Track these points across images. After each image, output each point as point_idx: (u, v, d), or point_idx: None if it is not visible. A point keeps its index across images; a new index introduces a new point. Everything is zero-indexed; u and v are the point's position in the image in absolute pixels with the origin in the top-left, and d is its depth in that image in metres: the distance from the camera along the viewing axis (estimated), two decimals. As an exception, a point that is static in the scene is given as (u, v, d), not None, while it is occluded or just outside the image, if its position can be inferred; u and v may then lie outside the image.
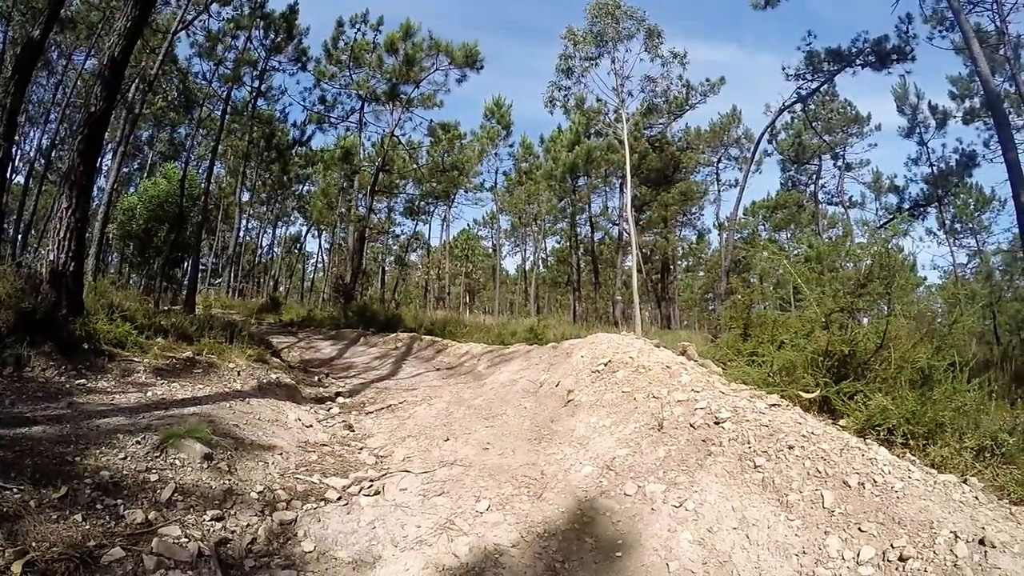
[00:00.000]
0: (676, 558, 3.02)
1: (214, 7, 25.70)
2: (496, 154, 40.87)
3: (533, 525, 3.43)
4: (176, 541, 2.91)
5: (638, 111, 33.19)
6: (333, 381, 9.18)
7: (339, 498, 3.83)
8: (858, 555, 2.73)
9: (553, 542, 3.27)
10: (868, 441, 3.76)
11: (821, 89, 29.59)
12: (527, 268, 51.35)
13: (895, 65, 25.21)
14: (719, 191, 43.57)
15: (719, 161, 42.78)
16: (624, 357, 5.45)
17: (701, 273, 56.29)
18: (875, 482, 3.09)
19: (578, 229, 40.99)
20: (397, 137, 30.82)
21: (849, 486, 3.11)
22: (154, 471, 3.56)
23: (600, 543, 3.24)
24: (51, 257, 6.92)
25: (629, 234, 29.78)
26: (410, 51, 29.25)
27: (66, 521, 2.86)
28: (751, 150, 34.56)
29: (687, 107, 33.05)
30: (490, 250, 53.99)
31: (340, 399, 7.47)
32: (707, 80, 32.09)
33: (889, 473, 3.15)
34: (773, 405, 4.09)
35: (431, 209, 47.09)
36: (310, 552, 3.16)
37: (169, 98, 30.75)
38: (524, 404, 5.59)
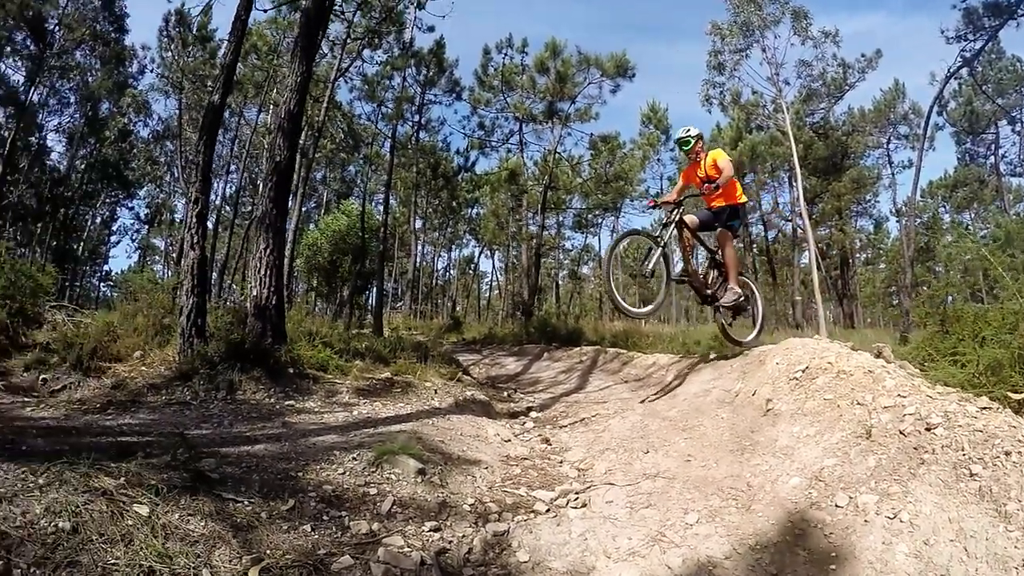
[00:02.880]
0: (892, 572, 2.87)
1: (366, 52, 27.45)
2: (658, 160, 40.49)
3: (744, 537, 3.36)
4: (400, 550, 3.06)
5: (797, 99, 31.92)
6: (522, 396, 9.37)
7: (547, 510, 3.88)
8: (1084, 570, 2.46)
9: (765, 555, 3.20)
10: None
11: (986, 48, 27.01)
12: None
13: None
14: (892, 174, 40.34)
15: (888, 141, 39.41)
16: (822, 363, 5.21)
17: (882, 265, 52.97)
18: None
19: (750, 228, 39.34)
20: (559, 154, 31.26)
21: (1070, 496, 2.86)
22: (372, 485, 3.78)
23: (813, 556, 3.14)
24: (254, 293, 7.82)
25: (803, 229, 28.56)
26: (560, 68, 29.75)
27: (296, 531, 3.10)
28: (921, 126, 31.79)
29: (846, 87, 31.49)
30: None
31: (533, 413, 7.61)
32: (862, 56, 30.44)
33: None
34: (984, 408, 3.79)
35: (599, 221, 47.03)
36: (525, 562, 3.22)
37: (337, 140, 33.00)
38: (720, 414, 5.47)
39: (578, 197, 37.62)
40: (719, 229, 7.56)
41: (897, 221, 41.08)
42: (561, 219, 45.22)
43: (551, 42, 30.27)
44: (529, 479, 4.62)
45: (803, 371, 5.25)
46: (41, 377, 7.25)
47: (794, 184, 31.04)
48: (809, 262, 28.80)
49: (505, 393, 9.46)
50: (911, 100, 37.63)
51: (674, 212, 7.09)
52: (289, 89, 8.93)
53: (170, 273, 29.32)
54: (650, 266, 6.77)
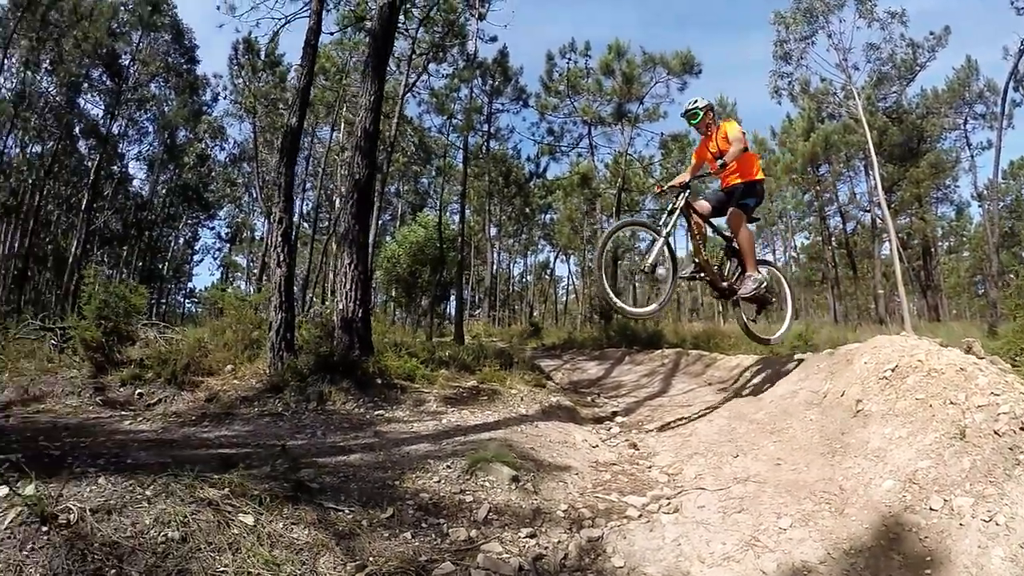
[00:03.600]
0: (988, 576, 2.77)
1: (432, 66, 27.99)
2: None
3: (838, 542, 3.27)
4: (499, 556, 3.08)
5: (867, 83, 30.96)
6: (606, 401, 9.30)
7: (640, 515, 3.85)
8: None
9: (860, 559, 3.10)
10: None
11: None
12: None
13: None
14: (972, 156, 37.57)
15: (965, 122, 37.07)
16: (912, 361, 5.02)
17: (966, 253, 50.84)
18: None
19: (828, 221, 38.46)
20: (630, 155, 31.09)
21: None
22: (468, 492, 3.80)
23: (908, 560, 3.03)
24: (340, 306, 8.05)
25: (883, 219, 27.65)
26: (626, 69, 29.76)
27: (397, 538, 3.14)
28: (998, 104, 30.02)
29: (917, 68, 30.46)
30: None
31: (618, 418, 7.54)
32: (931, 34, 29.47)
33: None
34: (1081, 407, 3.61)
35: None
36: (620, 567, 3.19)
37: (408, 153, 33.67)
38: (809, 416, 5.33)
39: (651, 198, 37.33)
40: (731, 210, 6.85)
41: (979, 206, 38.84)
42: (636, 221, 44.73)
43: (614, 44, 30.36)
44: (620, 484, 4.59)
45: (892, 370, 5.07)
46: (137, 392, 7.55)
47: (870, 173, 30.03)
48: (890, 253, 27.82)
49: (588, 398, 9.41)
50: (985, 77, 35.99)
51: (679, 197, 6.44)
52: (363, 108, 9.19)
53: (253, 289, 30.24)
54: (651, 260, 6.28)
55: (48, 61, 34.27)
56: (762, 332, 7.36)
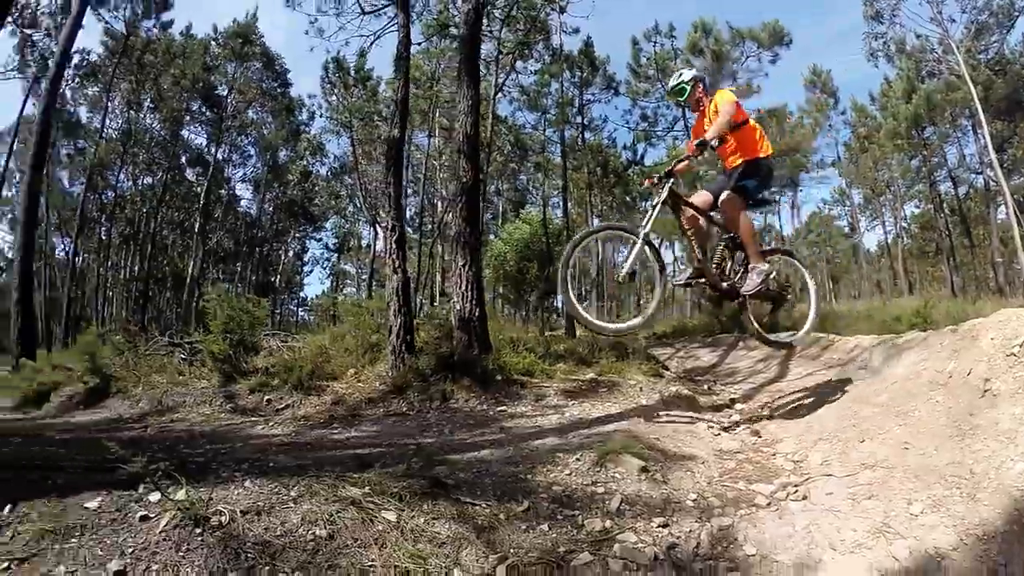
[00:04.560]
0: None
1: (519, 64, 28.21)
2: (830, 125, 38.26)
3: (970, 527, 3.11)
4: (634, 546, 3.07)
5: (965, 36, 29.23)
6: (723, 388, 9.16)
7: (768, 503, 3.78)
8: None
9: (993, 545, 2.95)
10: None
11: None
12: (889, 242, 45.44)
13: None
14: None
15: None
16: None
17: None
18: None
19: (938, 187, 36.22)
20: (729, 134, 30.51)
21: None
22: (599, 484, 3.80)
23: None
24: (457, 307, 8.23)
25: (996, 181, 26.07)
26: (714, 47, 29.11)
27: (534, 530, 3.17)
28: None
29: (1015, 13, 28.43)
30: (846, 229, 49.92)
31: (737, 405, 7.41)
32: None
33: None
34: None
35: (776, 197, 45.10)
36: (752, 556, 3.15)
37: (505, 152, 33.97)
38: (934, 398, 5.08)
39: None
40: (724, 194, 5.78)
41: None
42: (739, 201, 43.64)
43: (699, 22, 30.09)
44: (746, 473, 4.51)
45: (1021, 345, 4.80)
46: (265, 398, 7.90)
47: (979, 131, 28.35)
48: (1007, 217, 26.26)
49: (705, 386, 9.27)
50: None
51: (663, 187, 5.54)
52: (462, 113, 9.35)
53: (363, 295, 31.16)
54: (627, 267, 5.45)
55: (149, 99, 37.01)
56: (780, 335, 6.54)
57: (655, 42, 31.87)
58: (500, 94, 27.56)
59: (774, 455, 5.04)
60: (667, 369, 10.09)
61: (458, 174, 9.12)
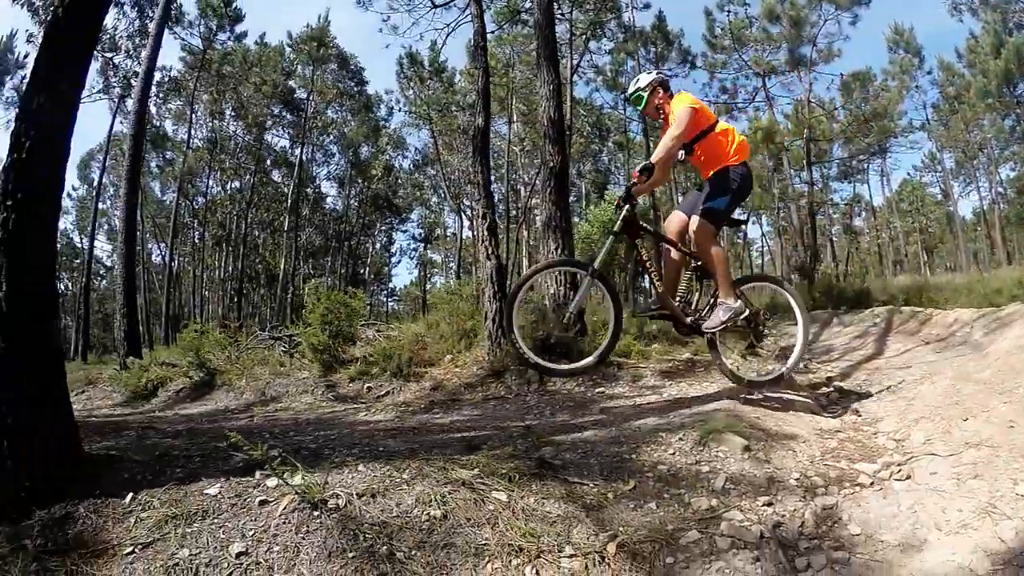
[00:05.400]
0: None
1: (592, 44, 28.07)
2: (917, 86, 35.87)
3: None
4: (741, 524, 3.08)
5: None
6: (819, 366, 8.94)
7: (872, 483, 3.70)
8: None
9: None
10: None
11: None
12: (984, 208, 42.91)
13: None
14: None
15: None
16: None
17: None
18: None
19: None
20: (811, 102, 29.50)
21: None
22: (703, 463, 3.80)
23: None
24: (551, 290, 8.30)
25: None
26: (791, 12, 28.12)
27: (642, 509, 3.21)
28: None
29: None
30: (939, 196, 47.63)
31: (834, 383, 7.26)
32: None
33: None
34: None
35: (864, 166, 43.42)
36: (857, 535, 3.10)
37: (585, 134, 33.86)
38: None
39: (838, 145, 35.44)
40: (692, 219, 5.20)
41: None
42: (825, 171, 42.09)
43: (774, -13, 28.96)
44: (847, 452, 4.42)
45: None
46: (366, 386, 8.16)
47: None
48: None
49: (801, 364, 9.09)
50: None
51: (618, 217, 5.19)
52: (544, 98, 9.40)
53: (451, 283, 31.65)
54: (574, 305, 5.26)
55: (230, 108, 38.85)
56: (757, 372, 5.98)
57: (729, 11, 30.99)
58: (576, 76, 27.47)
59: (875, 434, 4.94)
60: (762, 347, 9.95)
61: (544, 159, 9.18)
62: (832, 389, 6.74)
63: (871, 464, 4.05)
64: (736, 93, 33.69)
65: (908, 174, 50.41)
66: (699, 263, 5.34)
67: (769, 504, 3.37)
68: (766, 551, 2.91)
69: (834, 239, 46.60)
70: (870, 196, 46.46)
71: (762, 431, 4.48)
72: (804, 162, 28.94)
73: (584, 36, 27.14)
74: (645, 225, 5.37)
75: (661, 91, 5.51)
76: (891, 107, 31.85)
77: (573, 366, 5.55)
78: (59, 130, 3.42)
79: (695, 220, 5.13)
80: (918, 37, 34.46)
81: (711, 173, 5.23)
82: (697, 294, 5.51)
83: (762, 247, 58.05)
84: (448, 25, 14.86)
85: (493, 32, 24.46)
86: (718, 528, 3.06)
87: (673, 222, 5.51)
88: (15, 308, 3.16)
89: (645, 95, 5.50)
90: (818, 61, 29.33)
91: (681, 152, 5.29)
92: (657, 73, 5.63)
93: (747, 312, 5.31)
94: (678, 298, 5.38)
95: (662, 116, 5.48)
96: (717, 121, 5.36)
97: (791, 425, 4.87)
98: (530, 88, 30.71)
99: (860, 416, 5.43)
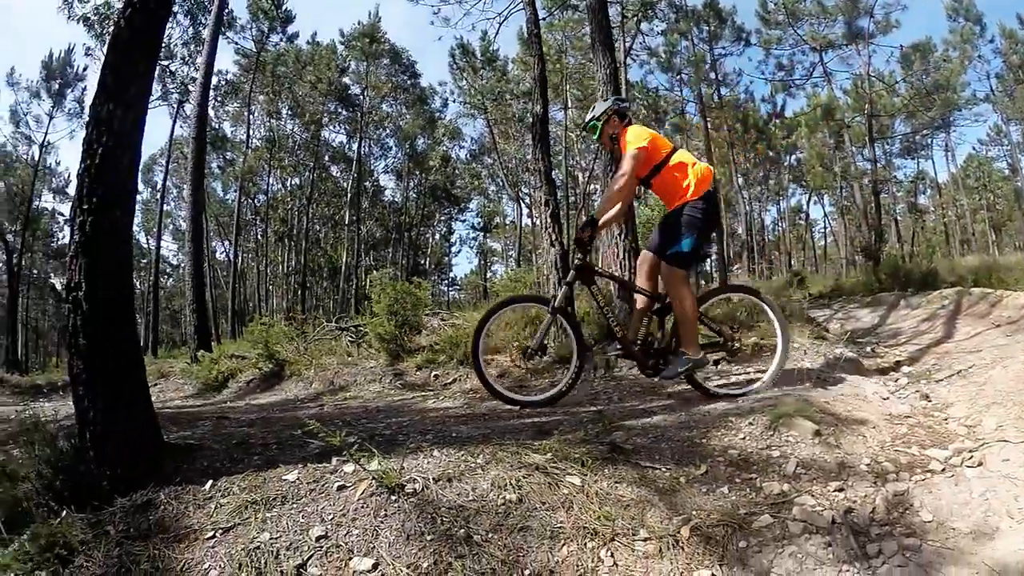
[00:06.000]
0: None
1: (644, 26, 27.87)
2: (979, 56, 34.43)
3: None
4: (813, 509, 3.07)
5: None
6: (886, 350, 8.77)
7: (943, 469, 3.64)
8: None
9: None
10: None
11: None
12: None
13: None
14: None
15: None
16: None
17: None
18: None
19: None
20: (871, 76, 28.72)
21: None
22: (774, 448, 3.79)
23: None
24: (617, 275, 8.26)
25: None
26: (846, -17, 27.42)
27: (714, 493, 3.24)
28: None
29: None
30: (1007, 171, 45.55)
31: (903, 368, 7.09)
32: None
33: None
34: None
35: (927, 142, 42.00)
36: (928, 522, 3.06)
37: (640, 116, 33.81)
38: None
39: (900, 120, 34.45)
40: (663, 267, 5.18)
41: None
42: (887, 148, 41.19)
43: (830, -42, 28.32)
44: (918, 438, 4.35)
45: None
46: (433, 374, 8.31)
47: None
48: None
49: (868, 348, 8.89)
50: None
51: (572, 265, 5.37)
52: (601, 83, 9.37)
53: (512, 270, 31.98)
54: (535, 341, 5.41)
55: (287, 107, 40.13)
56: (731, 385, 5.75)
57: (780, -16, 30.51)
58: (629, 59, 27.23)
59: (946, 419, 4.86)
60: (827, 331, 9.79)
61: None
62: (901, 374, 6.65)
63: (942, 450, 4.01)
64: (793, 69, 33.20)
65: (973, 149, 48.70)
66: (660, 305, 5.37)
67: (840, 489, 3.35)
68: (838, 536, 2.91)
69: (899, 218, 45.34)
70: (935, 172, 45.14)
71: (832, 416, 4.45)
72: (866, 138, 28.26)
73: (636, 18, 26.89)
74: (601, 271, 5.66)
75: (617, 119, 5.49)
76: (953, 78, 30.86)
77: (532, 399, 5.59)
78: (128, 136, 3.55)
79: (664, 267, 5.14)
80: (978, 4, 33.16)
81: (672, 209, 5.17)
82: (659, 333, 5.50)
83: (824, 228, 56.82)
84: (500, 14, 14.86)
85: (544, 19, 24.46)
86: (790, 513, 3.07)
87: (644, 263, 5.48)
88: (90, 312, 3.33)
89: (600, 124, 5.51)
90: (876, 33, 28.65)
91: (639, 187, 5.46)
92: (614, 101, 5.61)
93: (708, 361, 5.39)
94: (638, 342, 5.39)
95: (617, 146, 5.43)
96: (673, 152, 5.26)
97: (860, 410, 4.82)
98: (583, 73, 30.64)
99: (930, 401, 5.35)
